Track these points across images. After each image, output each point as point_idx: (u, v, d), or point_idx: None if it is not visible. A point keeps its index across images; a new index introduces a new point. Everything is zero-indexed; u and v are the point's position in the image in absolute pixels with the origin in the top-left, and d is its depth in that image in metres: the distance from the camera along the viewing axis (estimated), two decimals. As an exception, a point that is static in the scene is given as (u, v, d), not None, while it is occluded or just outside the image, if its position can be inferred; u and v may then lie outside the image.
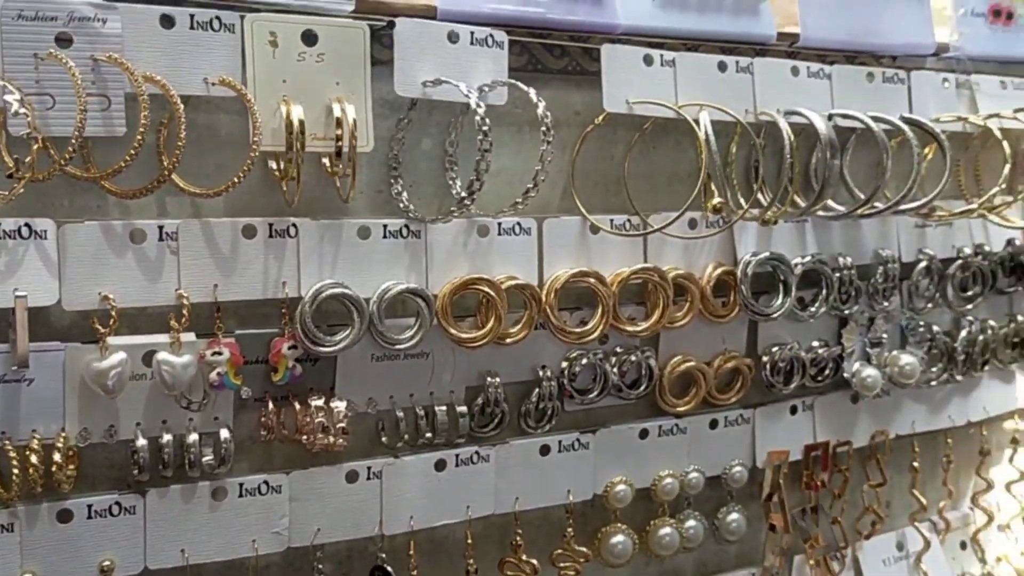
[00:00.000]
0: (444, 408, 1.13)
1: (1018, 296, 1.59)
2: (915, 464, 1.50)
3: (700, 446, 1.33)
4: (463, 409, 1.14)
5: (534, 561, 1.20)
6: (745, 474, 1.36)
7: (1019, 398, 1.60)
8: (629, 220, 1.24)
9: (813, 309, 1.37)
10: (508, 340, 1.15)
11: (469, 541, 1.17)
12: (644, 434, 1.29)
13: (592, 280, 1.19)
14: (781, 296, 1.33)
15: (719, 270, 1.30)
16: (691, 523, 1.33)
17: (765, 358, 1.36)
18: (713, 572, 1.39)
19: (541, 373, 1.20)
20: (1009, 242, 1.55)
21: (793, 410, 1.41)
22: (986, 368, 1.55)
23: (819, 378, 1.41)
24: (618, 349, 1.25)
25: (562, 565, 1.24)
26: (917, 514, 1.51)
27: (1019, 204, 1.58)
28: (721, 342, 1.34)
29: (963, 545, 1.58)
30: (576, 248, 1.21)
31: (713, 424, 1.34)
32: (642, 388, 1.27)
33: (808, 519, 1.43)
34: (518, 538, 1.20)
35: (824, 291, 1.37)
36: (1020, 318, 1.57)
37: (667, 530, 1.31)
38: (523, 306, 1.16)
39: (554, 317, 1.17)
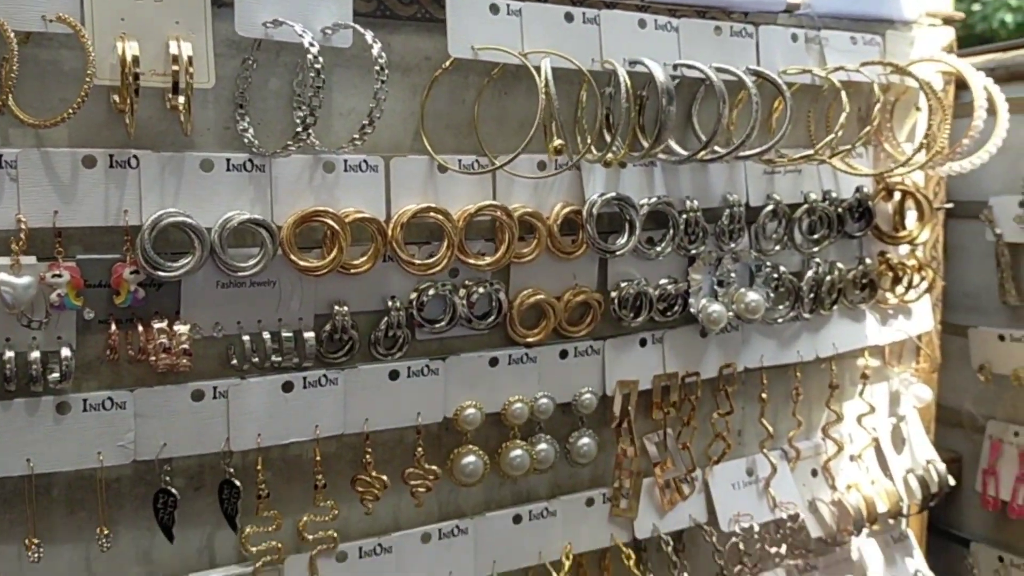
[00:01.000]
0: (291, 333, 1.20)
1: (867, 240, 1.69)
2: (763, 395, 1.60)
3: (550, 375, 1.41)
4: (310, 335, 1.22)
5: (384, 477, 1.28)
6: (595, 401, 1.45)
7: (868, 336, 1.70)
8: (477, 161, 1.31)
9: (660, 248, 1.46)
10: (354, 270, 1.22)
11: (318, 458, 1.24)
12: (494, 362, 1.37)
13: (439, 216, 1.27)
14: (627, 235, 1.41)
15: (566, 209, 1.38)
16: (542, 446, 1.42)
17: (614, 293, 1.45)
18: (567, 492, 1.47)
19: (390, 303, 1.28)
20: (858, 189, 1.64)
21: (643, 343, 1.49)
22: (835, 307, 1.64)
23: (668, 313, 1.50)
24: (468, 282, 1.33)
25: (413, 483, 1.32)
26: (766, 442, 1.60)
27: (871, 154, 1.68)
28: (572, 278, 1.43)
29: (814, 473, 1.69)
30: (424, 186, 1.28)
31: (563, 354, 1.43)
32: (492, 319, 1.35)
33: (659, 445, 1.53)
34: (368, 455, 1.28)
35: (671, 231, 1.46)
36: (868, 261, 1.67)
37: (518, 452, 1.39)
38: (370, 239, 1.23)
39: (401, 250, 1.25)
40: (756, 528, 1.57)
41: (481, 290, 1.33)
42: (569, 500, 1.46)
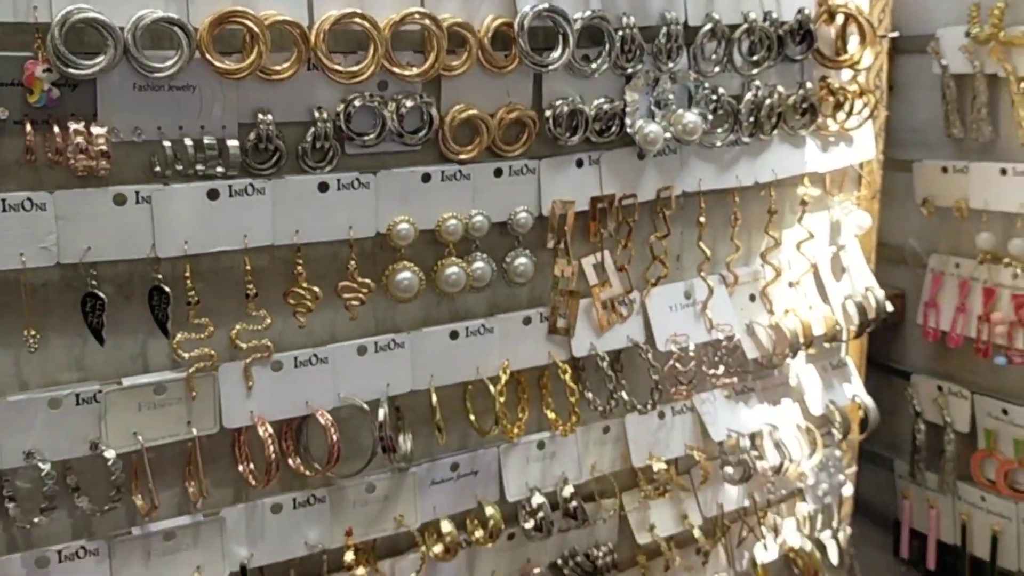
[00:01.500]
0: (214, 141, 1.20)
1: (808, 64, 1.68)
2: (701, 219, 1.61)
3: (485, 193, 1.42)
4: (234, 143, 1.21)
5: (316, 289, 1.30)
6: (530, 220, 1.45)
7: (808, 163, 1.71)
8: (404, -34, 1.29)
9: (596, 65, 1.45)
10: (276, 77, 1.21)
11: (248, 267, 1.25)
12: (427, 178, 1.37)
13: (364, 23, 1.25)
14: (560, 49, 1.39)
15: (498, 21, 1.36)
16: (478, 264, 1.43)
17: (548, 111, 1.44)
18: (504, 311, 1.49)
19: (316, 114, 1.26)
20: (799, 11, 1.62)
21: (579, 163, 1.49)
22: (775, 132, 1.64)
23: (604, 134, 1.50)
24: (397, 95, 1.32)
25: (347, 296, 1.33)
26: (704, 266, 1.62)
27: (814, -24, 1.66)
28: (505, 95, 1.41)
29: (752, 298, 1.71)
30: (349, -6, 1.26)
31: (498, 172, 1.42)
32: (423, 134, 1.34)
33: (597, 267, 1.55)
34: (299, 267, 1.29)
35: (607, 47, 1.45)
36: (809, 85, 1.66)
37: (454, 269, 1.40)
38: (293, 45, 1.21)
39: (325, 57, 1.23)
40: (692, 348, 1.61)
41: (410, 103, 1.32)
42: (506, 318, 1.48)
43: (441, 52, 1.30)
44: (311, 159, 1.28)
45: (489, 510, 1.50)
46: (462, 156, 1.39)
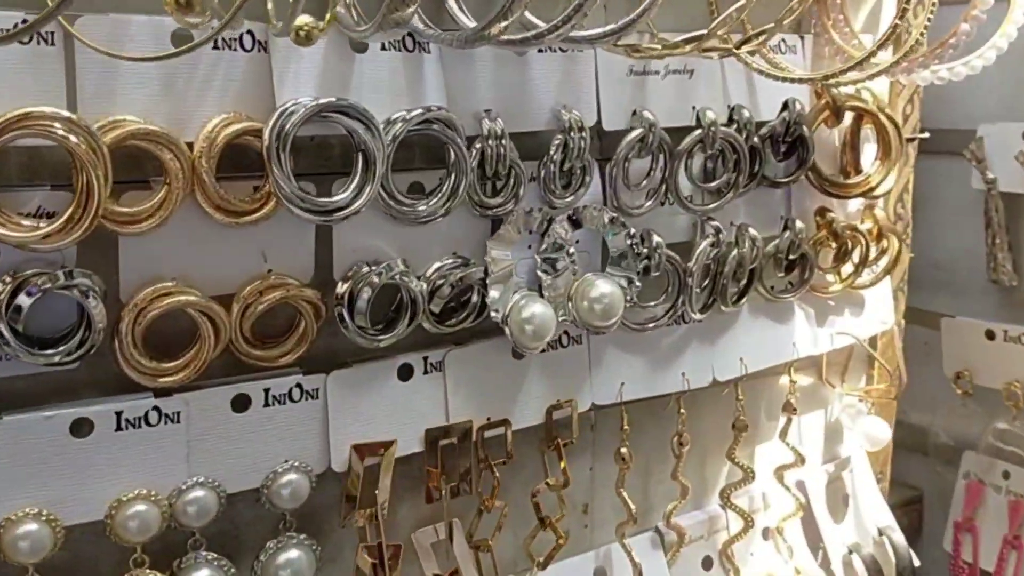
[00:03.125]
0: None
1: (799, 190, 1.05)
2: (623, 450, 0.96)
3: (213, 443, 0.76)
4: None
5: None
6: (306, 485, 0.79)
7: (796, 343, 1.07)
8: (17, 23, 0.63)
9: (432, 203, 0.80)
10: None
11: None
12: (78, 428, 0.70)
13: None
14: (359, 175, 0.74)
15: (232, 127, 0.70)
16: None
17: (344, 286, 0.79)
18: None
19: None
20: (786, 105, 0.99)
21: (404, 373, 0.84)
22: (743, 301, 1.01)
23: (451, 318, 0.85)
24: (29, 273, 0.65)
25: None
26: (625, 526, 0.97)
27: (808, 47, 1.04)
28: (260, 259, 0.77)
29: (707, 563, 1.06)
30: None
31: (241, 405, 0.77)
32: (70, 344, 0.67)
33: (439, 548, 0.88)
34: None
35: (451, 172, 0.80)
36: (800, 225, 1.02)
37: None
38: None
39: None
40: (606, 674, 0.95)
41: (45, 285, 0.66)
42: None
43: (102, 187, 0.64)
44: None
45: None
46: (163, 379, 0.73)
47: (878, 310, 1.16)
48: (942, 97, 1.33)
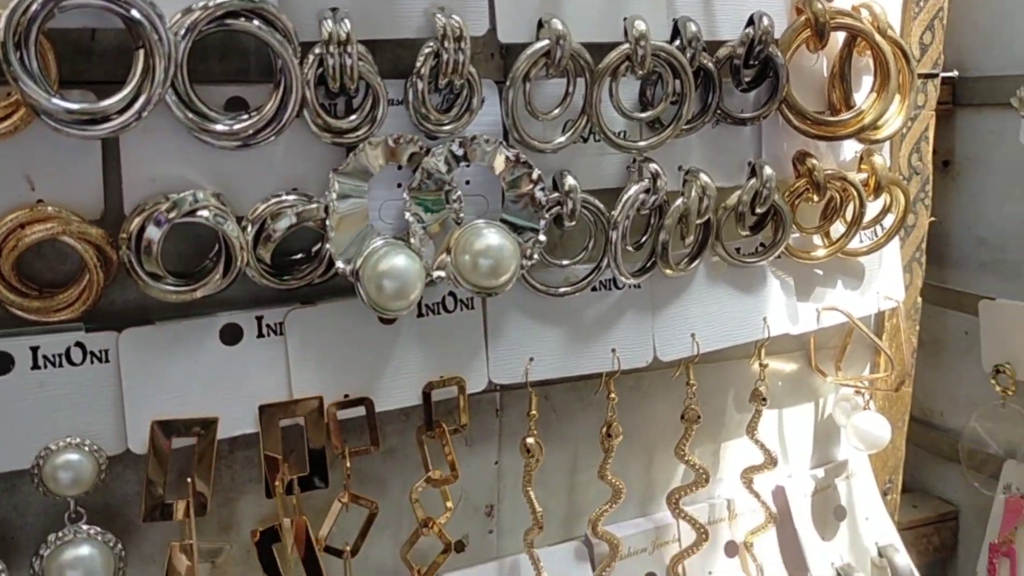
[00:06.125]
0: None
1: (770, 128, 0.85)
2: (529, 440, 0.78)
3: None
4: None
5: None
6: (91, 472, 0.64)
7: (768, 320, 0.87)
8: None
9: (256, 119, 0.64)
10: None
11: None
12: None
13: None
14: (136, 80, 0.59)
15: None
16: None
17: (137, 220, 0.63)
18: None
19: None
20: (750, 20, 0.80)
21: (231, 336, 0.68)
22: (695, 264, 0.82)
23: (289, 272, 0.69)
24: None
25: None
26: (531, 534, 0.79)
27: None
28: (24, 182, 0.61)
29: (650, 582, 0.88)
30: None
31: None
32: None
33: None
34: None
35: (282, 76, 0.64)
36: (768, 171, 0.82)
37: None
38: None
39: None
40: None
41: None
42: None
43: None
44: None
45: None
46: None
47: (883, 282, 0.94)
48: (987, 39, 1.11)
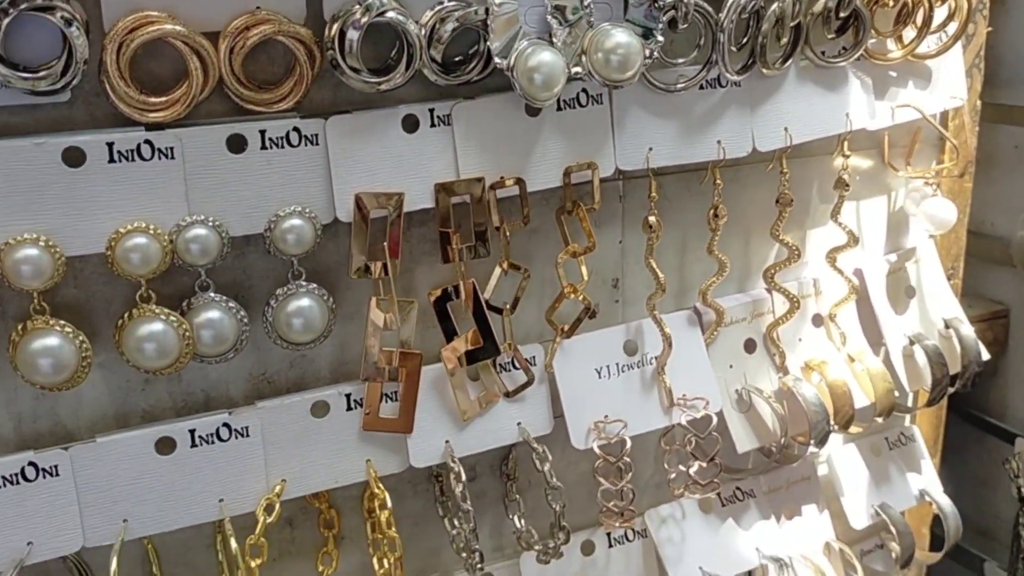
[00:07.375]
0: None
1: (852, -60, 0.96)
2: (651, 219, 0.91)
3: (209, 182, 0.76)
4: None
5: None
6: (310, 231, 0.79)
7: (851, 115, 0.99)
8: None
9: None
10: None
11: None
12: (76, 159, 0.71)
13: None
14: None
15: None
16: (210, 314, 0.77)
17: (336, 26, 0.76)
18: (271, 394, 0.84)
19: None
20: None
21: (410, 124, 0.82)
22: (789, 63, 0.94)
23: (457, 68, 0.82)
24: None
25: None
26: (656, 297, 0.93)
27: None
28: (246, -3, 0.74)
29: (749, 346, 1.02)
30: None
31: (237, 144, 0.76)
32: (61, 71, 0.68)
33: (458, 310, 0.87)
34: None
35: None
36: (853, -23, 0.94)
37: (153, 328, 0.75)
38: None
39: None
40: (628, 442, 0.92)
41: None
42: (278, 407, 0.82)
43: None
44: None
45: None
46: (152, 115, 0.73)
47: (948, 84, 1.06)
48: None
